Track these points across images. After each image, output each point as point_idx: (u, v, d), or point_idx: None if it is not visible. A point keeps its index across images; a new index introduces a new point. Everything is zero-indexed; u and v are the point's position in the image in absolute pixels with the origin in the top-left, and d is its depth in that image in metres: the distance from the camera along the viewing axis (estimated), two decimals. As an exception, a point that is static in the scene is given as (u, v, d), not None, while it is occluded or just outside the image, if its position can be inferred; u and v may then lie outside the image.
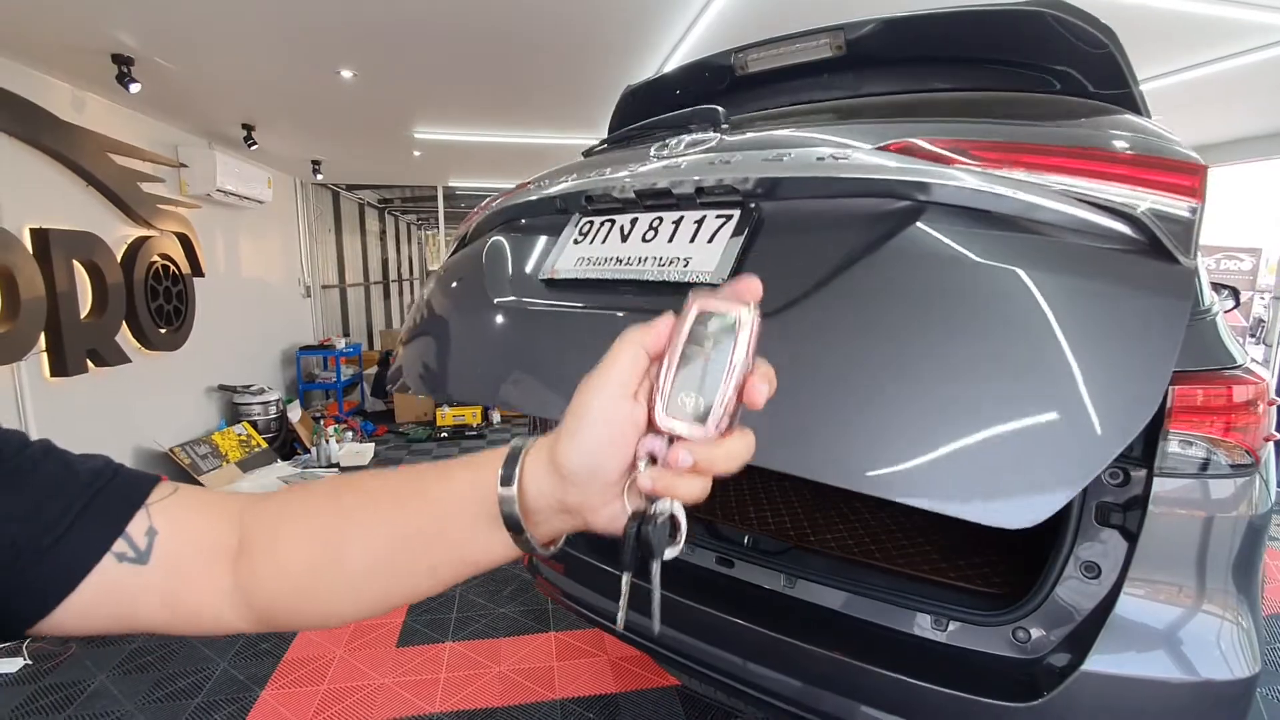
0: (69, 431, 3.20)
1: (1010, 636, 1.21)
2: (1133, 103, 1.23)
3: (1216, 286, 3.08)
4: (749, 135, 1.27)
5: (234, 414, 4.78)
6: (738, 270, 1.09)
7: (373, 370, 6.59)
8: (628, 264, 1.22)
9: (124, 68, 3.07)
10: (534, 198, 1.47)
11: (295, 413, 5.05)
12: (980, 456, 0.83)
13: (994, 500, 0.83)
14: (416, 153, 5.02)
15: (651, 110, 1.73)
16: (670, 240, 1.19)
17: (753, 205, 1.14)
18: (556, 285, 1.33)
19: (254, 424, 4.78)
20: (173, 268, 4.01)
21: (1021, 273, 0.89)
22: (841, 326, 1.00)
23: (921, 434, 0.87)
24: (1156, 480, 1.09)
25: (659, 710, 2.18)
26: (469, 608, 2.87)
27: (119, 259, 3.54)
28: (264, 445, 4.67)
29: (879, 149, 1.05)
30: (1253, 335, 6.66)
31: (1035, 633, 1.18)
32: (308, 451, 4.92)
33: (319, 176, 5.59)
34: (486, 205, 1.66)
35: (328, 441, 4.83)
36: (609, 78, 3.31)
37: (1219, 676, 1.05)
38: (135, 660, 2.51)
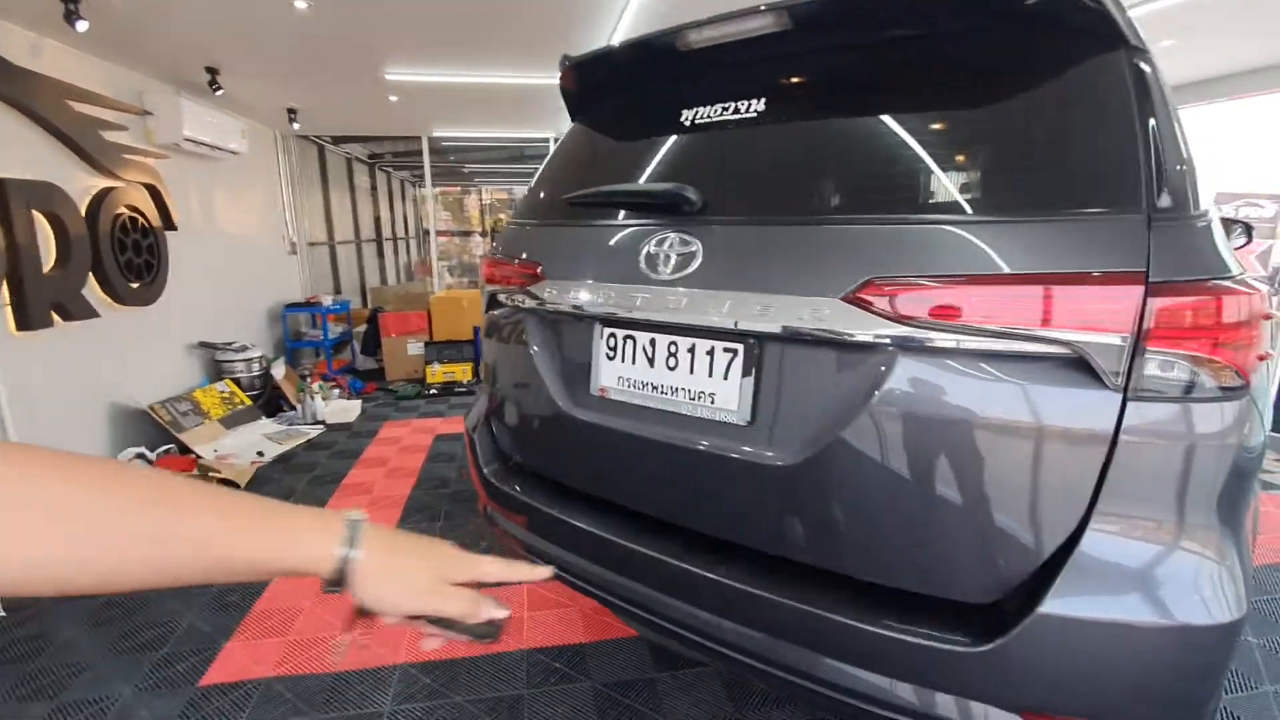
0: (38, 387, 3.13)
1: (967, 576, 1.11)
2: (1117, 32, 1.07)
3: (1229, 222, 2.92)
4: (731, 267, 1.25)
5: (217, 371, 4.71)
6: (755, 410, 1.23)
7: (362, 328, 6.50)
8: (663, 393, 1.35)
9: (70, 5, 2.90)
10: (550, 307, 1.52)
11: (280, 370, 4.98)
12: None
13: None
14: (393, 98, 4.83)
15: (604, 90, 1.66)
16: (692, 371, 1.31)
17: (752, 341, 1.21)
18: (609, 404, 1.44)
19: (237, 381, 4.72)
20: (141, 220, 3.89)
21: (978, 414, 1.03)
22: (852, 478, 1.14)
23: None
24: (1131, 405, 0.97)
25: (629, 661, 2.13)
26: (443, 560, 2.81)
27: (83, 210, 3.42)
28: (248, 402, 4.62)
29: (845, 299, 1.09)
30: (1272, 285, 6.42)
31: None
32: (293, 409, 4.86)
33: (296, 126, 5.40)
34: (497, 269, 1.68)
35: (312, 398, 4.77)
36: (581, 3, 3.11)
37: (1196, 621, 0.95)
38: (105, 613, 2.48)
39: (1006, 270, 1.01)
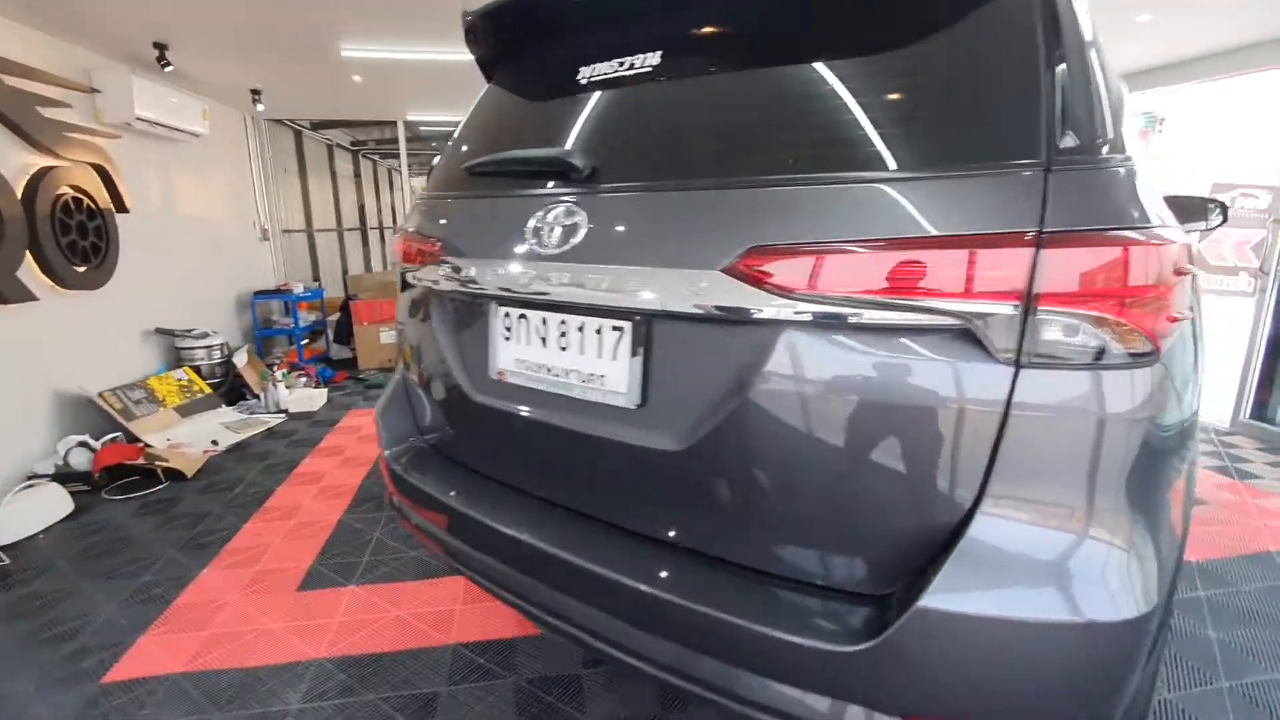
0: (-33, 372, 3.03)
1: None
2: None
3: (1208, 201, 2.80)
4: (612, 234, 1.16)
5: (176, 359, 4.61)
6: (645, 392, 1.13)
7: (335, 316, 6.38)
8: (556, 375, 1.25)
9: (-2, -27, 2.78)
10: (447, 285, 1.42)
11: (242, 358, 4.87)
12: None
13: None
14: (356, 78, 4.70)
15: (509, 47, 1.55)
16: (582, 352, 1.21)
17: (639, 319, 1.11)
18: (508, 388, 1.34)
19: (197, 369, 4.61)
20: (87, 201, 3.77)
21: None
22: (737, 465, 1.04)
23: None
24: (1023, 375, 0.86)
25: (559, 657, 2.03)
26: (382, 550, 2.72)
27: (19, 190, 3.30)
28: (207, 391, 4.51)
29: (725, 271, 0.98)
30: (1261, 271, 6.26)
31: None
32: (256, 397, 4.76)
33: (260, 108, 5.27)
34: (407, 243, 1.55)
35: (275, 386, 4.66)
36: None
37: (1096, 616, 0.84)
38: (25, 605, 2.38)
39: (890, 235, 0.90)
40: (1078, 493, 0.87)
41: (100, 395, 3.81)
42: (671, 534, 1.15)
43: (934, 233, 0.87)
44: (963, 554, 0.88)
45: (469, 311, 1.40)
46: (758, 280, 0.95)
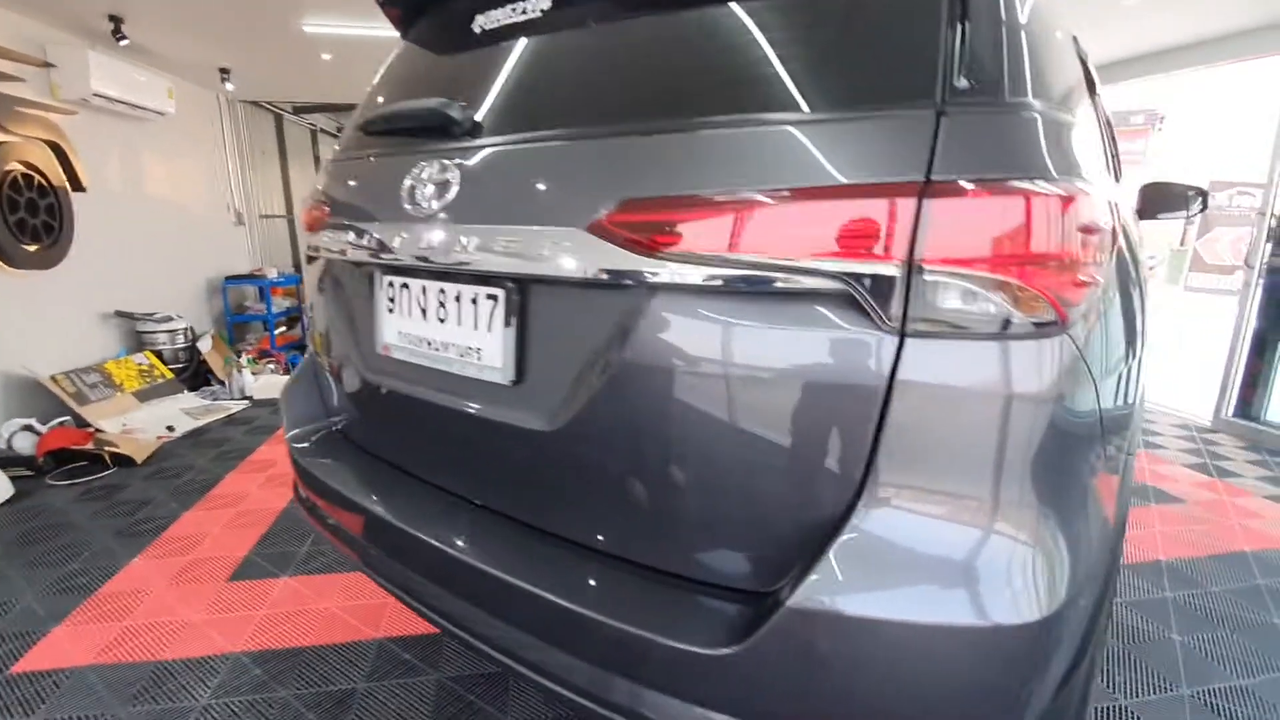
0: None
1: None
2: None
3: (1187, 189, 2.68)
4: (484, 191, 1.04)
5: (138, 343, 4.50)
6: (521, 366, 1.03)
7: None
8: (436, 349, 1.14)
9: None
10: (333, 253, 1.29)
11: (206, 343, 4.77)
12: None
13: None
14: (326, 56, 4.57)
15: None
16: (459, 324, 1.10)
17: (511, 285, 1.01)
18: (393, 364, 1.23)
19: (159, 354, 4.51)
20: (39, 178, 3.66)
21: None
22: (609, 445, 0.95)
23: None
24: (909, 346, 0.75)
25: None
26: (322, 541, 2.61)
27: (-38, 164, 3.20)
28: (169, 376, 4.41)
29: (589, 229, 0.87)
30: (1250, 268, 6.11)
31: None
32: (221, 383, 4.66)
33: (230, 87, 5.14)
34: (308, 210, 1.43)
35: (240, 372, 4.56)
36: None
37: (992, 619, 0.74)
38: (-60, 592, 2.28)
39: (760, 187, 0.79)
40: (970, 480, 0.77)
41: (52, 378, 3.71)
42: (548, 523, 1.05)
43: (808, 184, 0.77)
44: (842, 549, 0.78)
45: (358, 281, 1.30)
46: (621, 239, 0.84)
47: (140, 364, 4.32)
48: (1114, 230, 0.92)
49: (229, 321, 5.67)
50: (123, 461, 3.38)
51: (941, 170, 0.73)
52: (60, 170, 3.83)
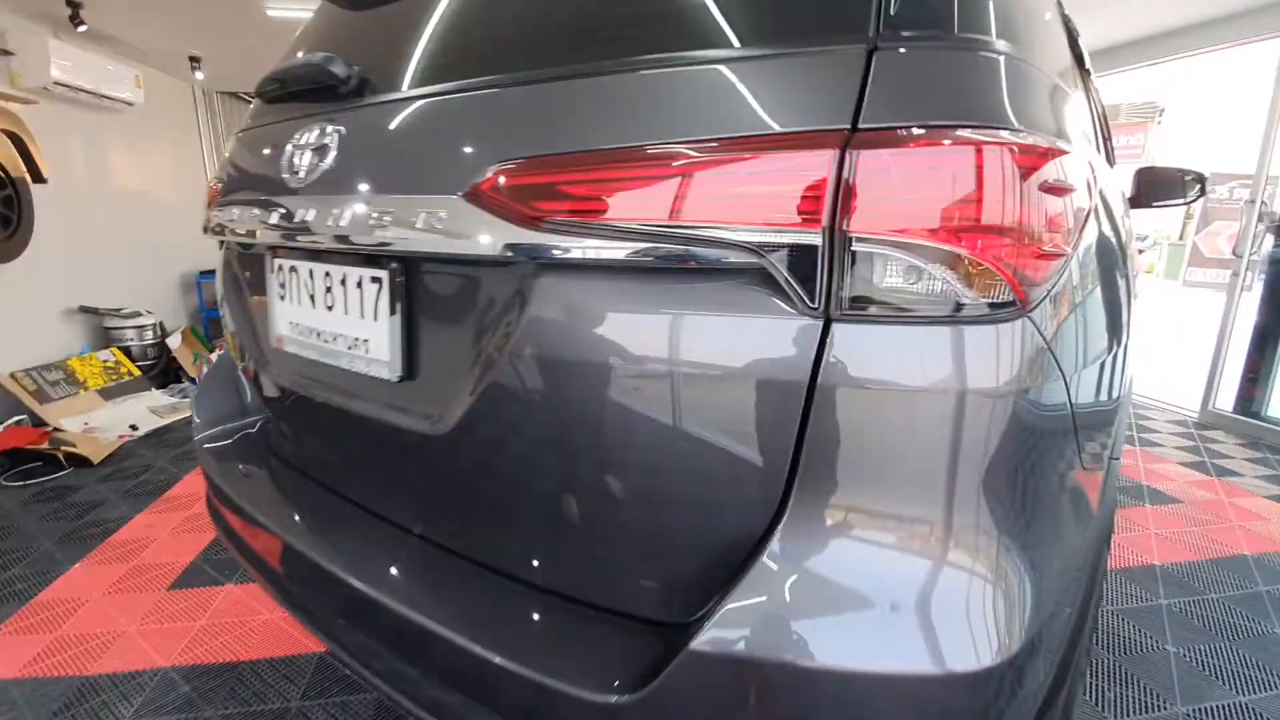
0: None
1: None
2: None
3: (1184, 174, 2.54)
4: (362, 156, 0.92)
5: (105, 339, 4.37)
6: (409, 359, 0.90)
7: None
8: (325, 341, 1.01)
9: None
10: (226, 230, 1.15)
11: (176, 340, 4.63)
12: None
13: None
14: (297, 44, 4.43)
15: None
16: (346, 311, 0.97)
17: (395, 266, 0.88)
18: (287, 358, 1.12)
19: (127, 350, 4.38)
20: (-6, 169, 3.53)
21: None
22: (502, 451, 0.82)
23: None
24: (836, 330, 0.62)
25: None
26: (275, 545, 2.49)
27: (-92, 153, 3.06)
28: (135, 373, 4.28)
29: (467, 196, 0.74)
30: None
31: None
32: (192, 381, 4.53)
33: (200, 76, 4.99)
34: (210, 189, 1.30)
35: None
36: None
37: (936, 666, 0.61)
38: None
39: (660, 142, 0.66)
40: (907, 497, 0.64)
41: (11, 376, 3.58)
42: (443, 538, 0.92)
43: (709, 136, 0.64)
44: (756, 579, 0.65)
45: (253, 267, 1.17)
46: (500, 208, 0.71)
47: (106, 361, 4.19)
48: (1091, 196, 0.79)
49: (204, 317, 5.53)
50: (79, 462, 3.26)
51: (871, 116, 0.60)
52: (20, 161, 3.70)
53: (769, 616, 0.64)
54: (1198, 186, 2.62)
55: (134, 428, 3.74)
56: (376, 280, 0.89)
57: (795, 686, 0.62)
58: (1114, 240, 1.03)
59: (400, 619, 0.83)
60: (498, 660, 0.74)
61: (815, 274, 0.61)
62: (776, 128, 0.62)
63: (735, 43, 0.68)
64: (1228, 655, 1.86)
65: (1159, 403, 4.40)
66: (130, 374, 4.25)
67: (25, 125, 3.74)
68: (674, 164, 0.64)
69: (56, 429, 3.49)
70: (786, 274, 0.62)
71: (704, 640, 0.64)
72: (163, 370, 4.54)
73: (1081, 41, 1.83)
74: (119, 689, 1.76)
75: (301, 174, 0.92)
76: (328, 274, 0.97)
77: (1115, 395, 0.98)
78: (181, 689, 1.76)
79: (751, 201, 0.62)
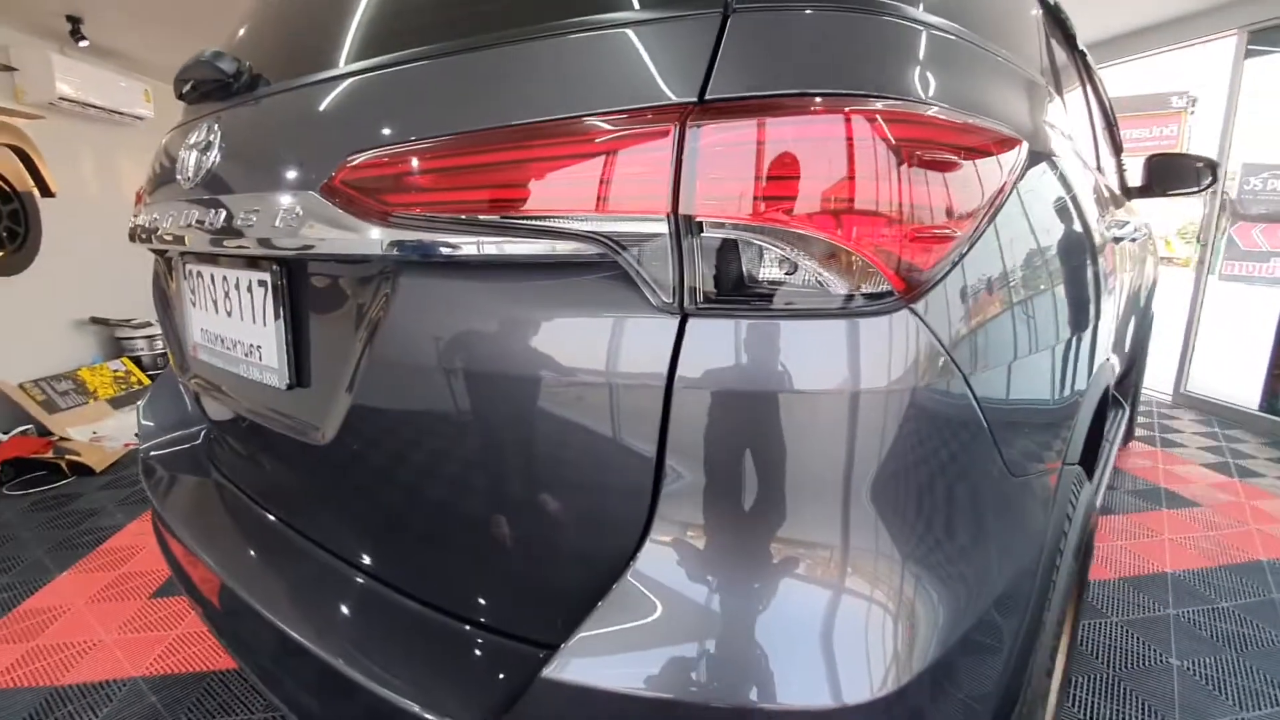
0: None
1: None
2: None
3: (1196, 161, 2.42)
4: (239, 153, 0.89)
5: (116, 349, 4.46)
6: (297, 371, 0.86)
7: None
8: (228, 348, 0.98)
9: None
10: (141, 234, 1.12)
11: (186, 347, 4.71)
12: None
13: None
14: (297, 54, 4.47)
15: None
16: (241, 317, 0.94)
17: (277, 268, 0.85)
18: (201, 367, 1.09)
19: (138, 360, 4.46)
20: (2, 185, 3.61)
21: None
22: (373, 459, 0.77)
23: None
24: (691, 328, 0.57)
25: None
26: (259, 553, 2.48)
27: (-85, 170, 3.14)
28: (146, 382, 4.35)
29: (324, 190, 0.70)
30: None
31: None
32: (201, 388, 4.59)
33: (208, 90, 5.09)
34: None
35: (218, 377, 4.49)
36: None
37: (812, 701, 0.55)
38: None
39: (505, 123, 0.61)
40: (771, 510, 0.57)
41: (20, 386, 3.66)
42: (333, 548, 0.88)
43: (555, 116, 0.58)
44: (617, 602, 0.59)
45: (170, 272, 1.14)
46: (350, 202, 0.66)
47: (116, 370, 4.26)
48: (1010, 174, 0.71)
49: (218, 326, 5.63)
50: (82, 470, 3.31)
51: (720, 88, 0.54)
52: (26, 176, 3.78)
53: (628, 643, 0.58)
54: (1209, 174, 2.49)
55: (138, 436, 3.79)
56: (262, 284, 0.86)
57: (647, 717, 0.56)
58: (1071, 227, 0.95)
59: (283, 636, 0.79)
60: (363, 682, 0.69)
61: (666, 265, 0.55)
62: (621, 104, 0.56)
63: (584, 13, 0.63)
64: (1233, 668, 1.73)
65: (1164, 395, 4.21)
66: (140, 383, 4.33)
67: (31, 140, 3.82)
68: (513, 148, 0.59)
69: (62, 438, 3.55)
70: (637, 266, 0.56)
71: (558, 667, 0.58)
72: (171, 379, 4.61)
73: (1067, 18, 1.73)
74: (87, 699, 1.76)
75: (190, 174, 0.89)
76: (225, 278, 0.93)
77: (1065, 394, 0.90)
78: (148, 699, 1.75)
79: (595, 187, 0.56)
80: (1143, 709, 1.60)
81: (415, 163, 0.63)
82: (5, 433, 3.40)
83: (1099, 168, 2.02)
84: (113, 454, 3.49)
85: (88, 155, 4.40)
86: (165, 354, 4.40)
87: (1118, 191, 2.24)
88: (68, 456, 3.32)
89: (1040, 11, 1.32)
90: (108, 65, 4.34)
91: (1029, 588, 0.79)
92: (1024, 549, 0.77)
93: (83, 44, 3.74)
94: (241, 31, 1.12)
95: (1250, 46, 3.89)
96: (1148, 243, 2.57)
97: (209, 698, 1.75)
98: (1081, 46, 2.00)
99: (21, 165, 3.75)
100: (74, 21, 3.63)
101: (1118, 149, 2.70)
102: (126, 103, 4.39)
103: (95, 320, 4.33)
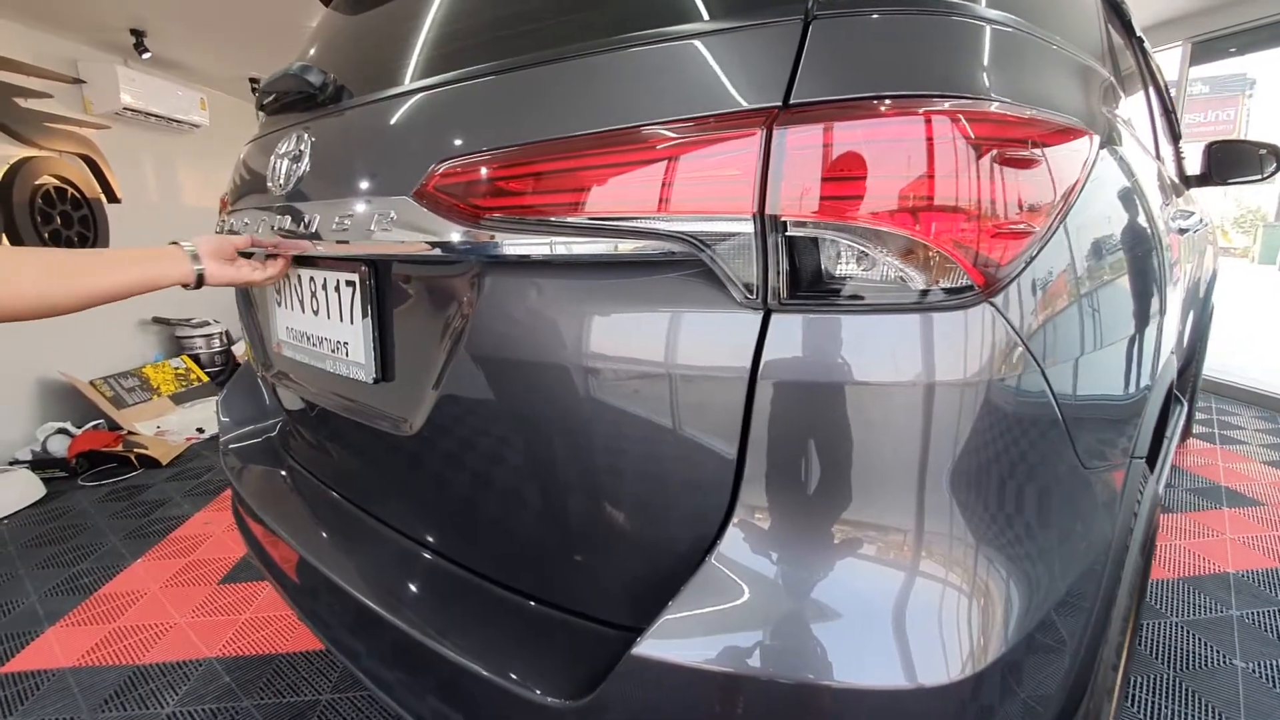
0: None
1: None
2: None
3: (1259, 147, 2.36)
4: (331, 161, 0.94)
5: (176, 347, 4.65)
6: (383, 366, 0.91)
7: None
8: (314, 344, 1.05)
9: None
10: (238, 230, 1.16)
11: (241, 347, 4.88)
12: None
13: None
14: (344, 60, 4.60)
15: None
16: (329, 315, 1.00)
17: (365, 269, 0.90)
18: (285, 362, 1.16)
19: (196, 358, 4.64)
20: (72, 191, 3.80)
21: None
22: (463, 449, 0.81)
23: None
24: (775, 323, 0.59)
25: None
26: (318, 543, 2.58)
27: (-6, 179, 3.33)
28: (204, 379, 4.54)
29: (416, 195, 0.74)
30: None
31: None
32: (255, 385, 4.76)
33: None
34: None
35: (271, 374, 4.65)
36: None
37: (888, 682, 0.57)
38: (-45, 592, 2.36)
39: (592, 131, 0.64)
40: (852, 498, 0.60)
41: (91, 384, 3.85)
42: (419, 536, 0.92)
43: (643, 122, 0.61)
44: (702, 584, 0.62)
45: None
46: (444, 205, 0.70)
47: (177, 368, 4.45)
48: (1085, 169, 0.72)
49: (269, 325, 5.82)
50: (149, 463, 3.47)
51: (804, 92, 0.56)
52: (94, 183, 3.97)
53: (711, 623, 0.61)
54: (1274, 161, 2.41)
55: (200, 430, 3.96)
56: (350, 284, 0.91)
57: (735, 697, 0.59)
58: (1137, 219, 0.94)
59: (371, 616, 0.84)
60: (453, 657, 0.74)
61: (751, 263, 0.58)
62: (709, 109, 0.59)
63: (669, 23, 0.66)
64: (1305, 672, 1.69)
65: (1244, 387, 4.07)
66: (199, 380, 4.51)
67: (99, 149, 4.01)
68: (602, 153, 0.62)
69: (130, 432, 3.72)
70: (723, 264, 0.59)
71: (647, 646, 0.61)
72: (229, 376, 4.79)
73: (1123, 3, 1.70)
74: (166, 677, 1.86)
75: (282, 182, 0.95)
76: (312, 279, 0.99)
77: (1135, 387, 0.90)
78: (222, 679, 1.84)
79: (684, 189, 0.59)
80: (1206, 710, 1.57)
81: (506, 168, 0.67)
82: (79, 427, 3.57)
83: (1158, 156, 1.98)
84: (176, 448, 3.66)
85: (148, 161, 4.60)
86: (221, 351, 4.58)
87: (1177, 180, 2.19)
88: (136, 450, 3.49)
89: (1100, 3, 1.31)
90: (165, 75, 4.53)
91: (1098, 579, 0.80)
92: (1094, 541, 0.78)
93: (146, 56, 3.91)
94: (318, 48, 1.18)
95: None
96: (1208, 234, 2.50)
97: (278, 678, 1.83)
98: (1139, 33, 1.96)
99: (90, 173, 3.94)
100: (138, 35, 3.80)
101: (1175, 136, 2.63)
102: (185, 111, 4.57)
103: (157, 320, 4.53)
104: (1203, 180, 2.51)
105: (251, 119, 5.51)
